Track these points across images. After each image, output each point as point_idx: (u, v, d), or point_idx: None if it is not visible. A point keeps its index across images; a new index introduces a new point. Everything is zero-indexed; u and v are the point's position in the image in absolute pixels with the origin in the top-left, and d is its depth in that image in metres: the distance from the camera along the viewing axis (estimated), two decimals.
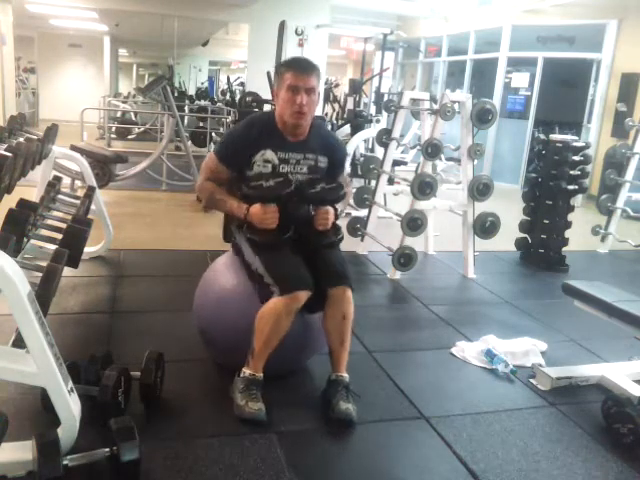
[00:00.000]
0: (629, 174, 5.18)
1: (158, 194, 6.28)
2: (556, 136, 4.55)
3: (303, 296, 2.08)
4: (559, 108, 8.91)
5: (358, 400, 2.16)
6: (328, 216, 2.23)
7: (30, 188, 3.26)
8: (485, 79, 9.88)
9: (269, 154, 2.22)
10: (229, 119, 7.99)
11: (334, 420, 2.07)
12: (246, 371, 2.11)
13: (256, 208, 2.15)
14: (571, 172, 4.43)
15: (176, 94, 10.84)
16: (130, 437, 1.62)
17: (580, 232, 5.01)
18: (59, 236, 2.19)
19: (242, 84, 11.97)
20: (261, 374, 2.11)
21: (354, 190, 4.76)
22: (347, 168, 2.52)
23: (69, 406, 1.63)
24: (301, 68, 2.17)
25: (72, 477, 1.55)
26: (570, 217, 4.58)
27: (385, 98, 7.27)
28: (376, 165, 4.61)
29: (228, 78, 12.72)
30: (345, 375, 2.19)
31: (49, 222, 2.49)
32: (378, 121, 6.42)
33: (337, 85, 13.48)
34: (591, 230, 5.25)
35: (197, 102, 11.68)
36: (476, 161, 4.23)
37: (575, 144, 4.47)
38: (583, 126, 8.22)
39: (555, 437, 2.15)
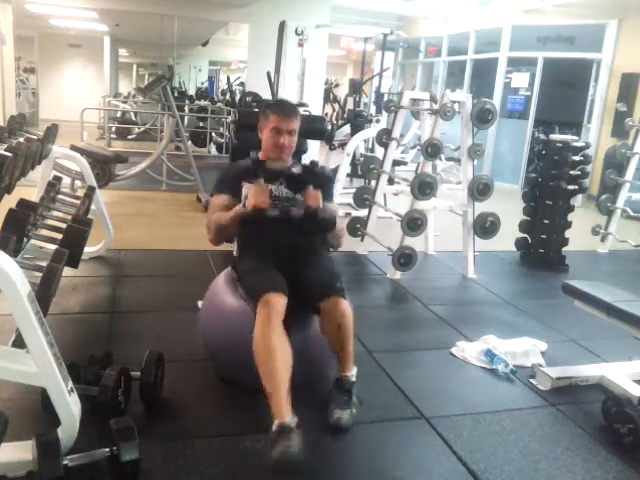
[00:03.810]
0: (629, 174, 5.19)
1: (158, 194, 6.28)
2: (556, 136, 4.55)
3: (276, 299, 2.00)
4: (559, 108, 8.92)
5: (359, 405, 2.14)
6: (318, 196, 2.24)
7: (30, 188, 3.26)
8: (485, 79, 9.88)
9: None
10: (229, 119, 7.99)
11: (329, 424, 2.04)
12: (273, 422, 1.79)
13: (252, 188, 2.19)
14: (571, 172, 4.43)
15: (176, 94, 10.85)
16: (130, 437, 1.62)
17: (580, 232, 5.01)
18: (59, 236, 2.19)
19: (242, 84, 11.97)
20: (289, 417, 1.78)
21: (354, 190, 4.76)
22: (341, 213, 2.57)
23: (69, 406, 1.63)
24: (284, 113, 2.35)
25: (72, 477, 1.55)
26: (570, 217, 4.58)
27: (385, 98, 7.27)
28: (376, 165, 4.61)
29: (228, 78, 12.72)
30: (350, 374, 2.15)
31: (49, 222, 2.49)
32: (378, 121, 6.42)
33: (337, 85, 13.49)
34: (591, 230, 5.24)
35: (197, 102, 11.69)
36: (476, 161, 4.23)
37: (575, 144, 4.47)
38: (583, 126, 8.22)
39: (555, 437, 2.15)
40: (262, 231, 2.30)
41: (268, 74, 6.07)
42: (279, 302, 2.01)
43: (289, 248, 2.31)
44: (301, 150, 3.75)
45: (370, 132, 5.91)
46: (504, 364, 2.63)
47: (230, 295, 2.34)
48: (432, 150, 3.86)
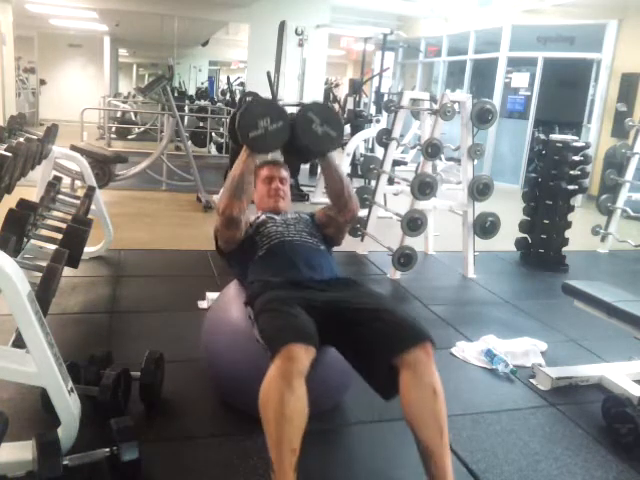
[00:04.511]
0: (629, 174, 5.19)
1: (158, 194, 6.29)
2: (556, 136, 4.55)
3: (298, 351, 1.52)
4: (559, 108, 8.92)
5: None
6: None
7: (30, 188, 3.26)
8: (485, 79, 9.88)
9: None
10: (229, 119, 7.98)
11: None
12: None
13: None
14: (571, 172, 4.43)
15: (176, 94, 10.85)
16: (130, 437, 1.63)
17: (580, 232, 5.01)
18: (59, 236, 2.19)
19: (242, 84, 11.97)
20: None
21: (354, 189, 4.76)
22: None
23: (69, 406, 1.63)
24: (274, 164, 2.43)
25: (72, 477, 1.55)
26: (570, 217, 4.58)
27: (385, 98, 7.28)
28: (376, 165, 4.62)
29: (228, 78, 12.73)
30: None
31: (49, 222, 2.49)
32: (378, 121, 6.43)
33: (337, 85, 13.50)
34: (591, 230, 5.24)
35: (197, 102, 11.69)
36: (476, 161, 4.23)
37: (575, 144, 4.47)
38: (583, 126, 8.22)
39: (555, 437, 2.15)
40: (280, 259, 2.06)
41: (268, 74, 6.07)
42: (305, 357, 1.53)
43: (313, 272, 2.02)
44: None
45: (370, 132, 5.92)
46: (504, 364, 2.63)
47: (240, 314, 2.07)
48: (432, 150, 3.85)
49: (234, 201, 2.06)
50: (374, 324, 1.71)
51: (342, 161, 5.48)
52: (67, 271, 2.04)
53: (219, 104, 11.11)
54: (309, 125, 2.03)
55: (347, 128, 6.69)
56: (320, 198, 6.27)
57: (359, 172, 5.78)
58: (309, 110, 2.06)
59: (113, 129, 10.66)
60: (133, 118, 12.15)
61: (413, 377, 1.57)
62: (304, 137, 2.06)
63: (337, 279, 2.09)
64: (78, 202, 2.83)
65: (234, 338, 2.07)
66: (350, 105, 7.39)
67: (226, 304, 2.23)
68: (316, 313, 1.75)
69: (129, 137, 11.03)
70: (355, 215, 2.28)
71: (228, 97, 11.48)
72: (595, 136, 7.98)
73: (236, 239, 2.18)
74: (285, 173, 2.41)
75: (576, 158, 4.46)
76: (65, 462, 1.54)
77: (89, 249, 3.76)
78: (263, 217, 2.25)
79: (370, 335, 1.69)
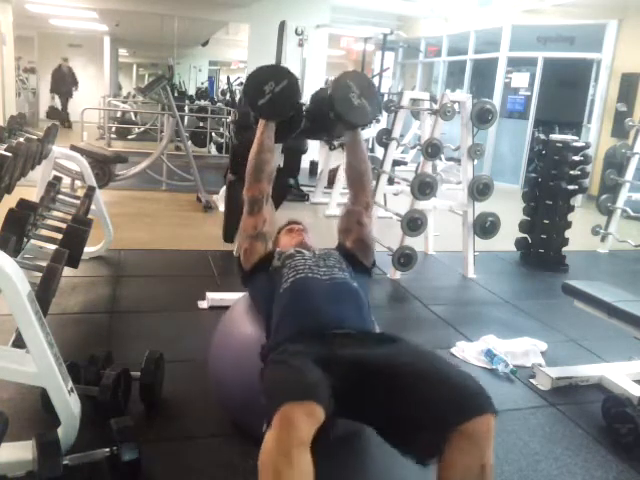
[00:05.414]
0: (629, 174, 5.19)
1: (158, 194, 6.28)
2: (556, 136, 4.55)
3: (296, 413, 1.24)
4: (559, 108, 8.92)
5: None
6: None
7: (30, 188, 3.26)
8: (485, 79, 9.88)
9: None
10: (229, 119, 7.99)
11: None
12: None
13: None
14: (571, 172, 4.43)
15: (176, 94, 10.85)
16: (130, 437, 1.63)
17: (580, 232, 5.01)
18: (59, 236, 2.19)
19: (242, 84, 11.96)
20: None
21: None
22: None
23: (69, 406, 1.63)
24: (293, 221, 2.40)
25: (72, 477, 1.55)
26: (570, 217, 4.58)
27: (385, 98, 7.27)
28: (376, 165, 4.61)
29: (228, 78, 12.72)
30: None
31: (49, 222, 2.49)
32: (378, 121, 6.41)
33: None
34: (591, 230, 5.24)
35: (197, 102, 11.69)
36: (476, 161, 4.23)
37: (575, 144, 4.47)
38: (583, 126, 8.22)
39: (555, 437, 2.15)
40: (304, 300, 1.79)
41: None
42: (306, 421, 1.25)
43: (340, 321, 1.72)
44: (301, 150, 3.77)
45: (370, 132, 5.91)
46: (504, 364, 2.63)
47: (249, 336, 1.94)
48: (432, 150, 3.85)
49: (253, 182, 2.03)
50: (422, 387, 1.42)
51: (342, 161, 5.47)
52: (67, 271, 2.04)
53: (219, 104, 11.11)
54: (346, 93, 1.95)
55: None
56: (320, 198, 6.28)
57: None
58: (347, 77, 1.99)
59: (113, 129, 10.66)
60: (133, 118, 12.15)
61: (466, 450, 1.34)
62: (338, 104, 1.97)
63: (371, 334, 1.79)
64: (78, 202, 2.83)
65: (243, 360, 1.92)
66: None
67: (234, 323, 2.10)
68: (343, 372, 1.46)
69: (129, 137, 11.02)
70: (371, 201, 2.18)
71: (228, 97, 11.47)
72: (595, 136, 7.98)
73: (259, 230, 2.03)
74: (305, 228, 2.37)
75: (576, 158, 4.46)
76: (65, 462, 1.54)
77: (89, 249, 3.76)
78: (292, 250, 2.02)
79: (418, 402, 1.42)
